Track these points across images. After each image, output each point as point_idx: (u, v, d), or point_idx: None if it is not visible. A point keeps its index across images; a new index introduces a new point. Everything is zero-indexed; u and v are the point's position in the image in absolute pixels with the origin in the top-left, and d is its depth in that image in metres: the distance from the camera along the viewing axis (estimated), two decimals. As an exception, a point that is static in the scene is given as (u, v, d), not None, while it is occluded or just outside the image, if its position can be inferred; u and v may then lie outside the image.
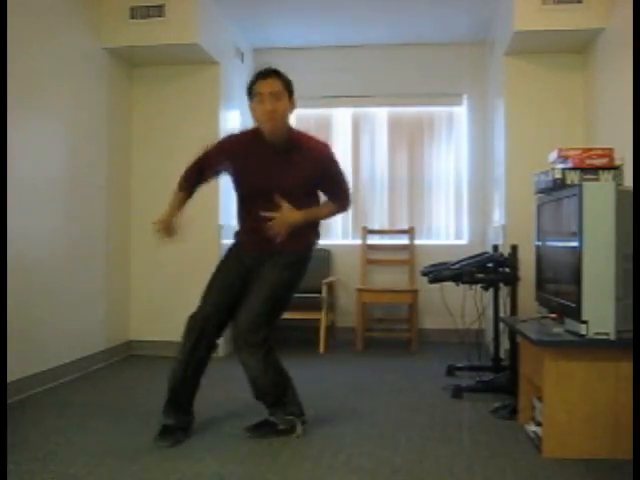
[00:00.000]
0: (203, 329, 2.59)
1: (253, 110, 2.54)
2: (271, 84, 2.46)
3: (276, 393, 2.59)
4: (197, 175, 2.74)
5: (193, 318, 2.63)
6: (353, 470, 2.24)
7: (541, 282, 2.98)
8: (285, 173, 2.56)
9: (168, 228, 2.64)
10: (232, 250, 2.78)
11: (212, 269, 4.39)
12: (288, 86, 2.52)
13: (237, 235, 2.79)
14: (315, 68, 5.19)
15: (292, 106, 2.56)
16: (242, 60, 4.96)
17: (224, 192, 4.50)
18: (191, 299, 4.33)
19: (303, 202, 2.60)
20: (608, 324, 2.34)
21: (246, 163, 2.61)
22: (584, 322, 2.35)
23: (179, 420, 2.60)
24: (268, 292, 2.55)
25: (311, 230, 2.73)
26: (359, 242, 5.19)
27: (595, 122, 3.88)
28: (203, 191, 4.38)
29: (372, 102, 5.30)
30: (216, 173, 2.79)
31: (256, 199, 2.60)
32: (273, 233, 2.51)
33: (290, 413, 2.61)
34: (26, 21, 3.31)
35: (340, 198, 2.77)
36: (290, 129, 2.60)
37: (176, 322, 4.36)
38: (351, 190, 2.83)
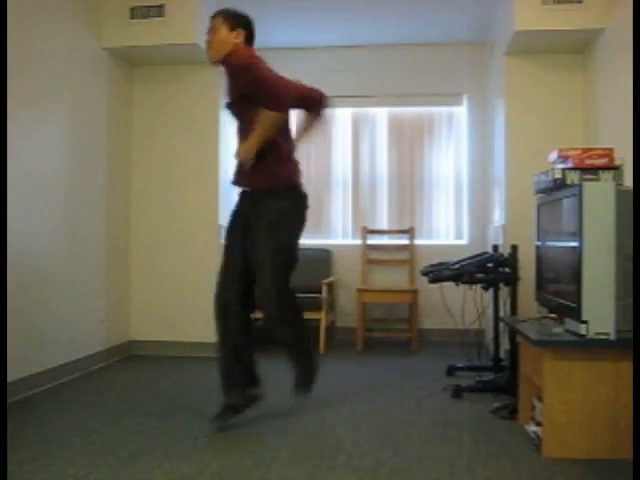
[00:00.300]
0: (226, 306, 2.70)
1: None
2: (211, 22, 2.77)
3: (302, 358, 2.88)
4: None
5: (215, 298, 2.75)
6: (353, 470, 2.24)
7: (541, 282, 2.98)
8: (227, 92, 2.78)
9: None
10: (235, 207, 2.86)
11: (212, 269, 4.41)
12: (227, 20, 2.72)
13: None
14: (315, 68, 5.18)
15: (235, 36, 2.71)
16: (242, 60, 4.96)
17: (224, 192, 4.51)
18: (191, 299, 4.37)
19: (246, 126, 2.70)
20: (608, 324, 2.34)
21: None
22: (584, 322, 2.35)
23: (231, 398, 2.70)
24: (267, 261, 2.65)
25: (272, 161, 2.72)
26: (359, 242, 5.19)
27: (595, 122, 3.88)
28: (203, 191, 4.42)
29: (372, 102, 5.30)
30: None
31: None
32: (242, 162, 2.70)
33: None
34: (26, 21, 3.31)
35: (267, 103, 2.56)
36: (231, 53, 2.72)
37: (176, 322, 4.42)
38: (277, 88, 2.57)
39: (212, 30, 2.74)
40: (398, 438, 2.60)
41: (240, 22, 2.76)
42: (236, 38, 2.71)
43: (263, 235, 2.65)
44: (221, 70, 2.84)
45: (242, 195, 2.85)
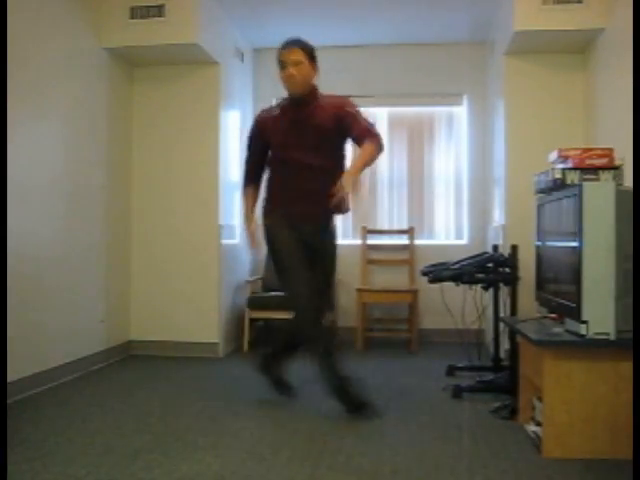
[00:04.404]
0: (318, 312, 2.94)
1: (280, 77, 2.88)
2: (291, 53, 2.84)
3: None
4: (256, 165, 3.04)
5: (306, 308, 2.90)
6: (353, 470, 2.24)
7: (541, 282, 2.98)
8: (308, 124, 2.87)
9: (253, 238, 2.98)
10: (282, 224, 2.90)
11: (212, 269, 4.41)
12: (308, 54, 2.88)
13: (278, 207, 2.94)
14: (315, 68, 5.19)
15: (314, 71, 2.93)
16: (242, 60, 4.96)
17: (224, 192, 4.51)
18: (191, 299, 4.37)
19: (330, 156, 2.91)
20: (608, 324, 2.34)
21: (278, 126, 2.92)
22: (584, 322, 2.35)
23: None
24: (330, 278, 3.02)
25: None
26: (359, 242, 5.19)
27: (595, 122, 3.88)
28: (203, 191, 4.42)
29: (372, 102, 5.30)
30: (266, 147, 3.01)
31: (291, 166, 2.84)
32: (337, 201, 2.67)
33: None
34: (26, 21, 3.31)
35: (367, 136, 2.80)
36: (314, 89, 2.94)
37: (176, 322, 4.42)
38: (375, 127, 2.88)
39: (296, 63, 2.83)
40: (398, 438, 2.60)
41: (314, 55, 2.93)
42: (315, 73, 2.92)
43: (329, 249, 3.03)
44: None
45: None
